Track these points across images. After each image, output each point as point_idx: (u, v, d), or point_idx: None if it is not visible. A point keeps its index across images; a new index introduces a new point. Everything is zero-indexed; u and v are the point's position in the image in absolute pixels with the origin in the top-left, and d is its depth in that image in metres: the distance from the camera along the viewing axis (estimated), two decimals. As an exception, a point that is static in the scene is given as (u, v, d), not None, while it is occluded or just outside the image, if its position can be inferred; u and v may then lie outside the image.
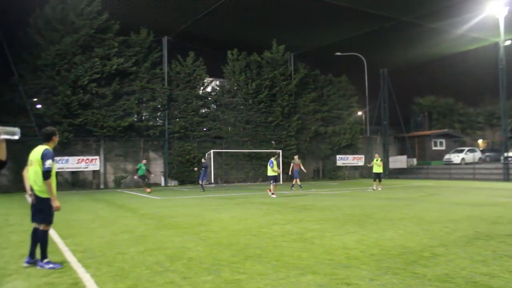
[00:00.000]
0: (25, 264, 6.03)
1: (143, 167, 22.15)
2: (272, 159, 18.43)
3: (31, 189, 6.01)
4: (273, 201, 15.82)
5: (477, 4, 25.02)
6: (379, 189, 20.94)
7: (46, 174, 5.83)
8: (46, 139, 6.17)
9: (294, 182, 22.79)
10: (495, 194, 17.75)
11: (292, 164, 23.21)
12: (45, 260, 5.98)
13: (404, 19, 26.51)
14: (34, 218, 6.08)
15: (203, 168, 22.12)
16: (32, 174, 5.99)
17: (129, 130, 27.31)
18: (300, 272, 5.52)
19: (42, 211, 5.98)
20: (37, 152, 6.02)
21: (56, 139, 6.27)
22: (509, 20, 26.52)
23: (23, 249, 6.30)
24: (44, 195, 5.95)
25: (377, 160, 21.46)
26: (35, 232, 6.10)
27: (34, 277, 5.52)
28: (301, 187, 22.61)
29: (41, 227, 6.03)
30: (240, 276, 5.38)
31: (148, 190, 21.45)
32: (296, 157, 23.95)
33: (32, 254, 6.09)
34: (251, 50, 31.58)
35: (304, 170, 24.13)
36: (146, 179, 22.34)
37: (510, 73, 29.39)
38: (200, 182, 22.22)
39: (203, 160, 22.83)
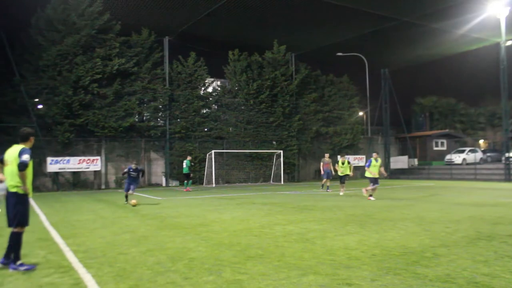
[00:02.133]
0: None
1: (189, 164, 22.57)
2: (372, 158, 16.32)
3: (7, 190, 5.99)
4: (274, 202, 15.82)
5: (479, 4, 25.01)
6: (341, 194, 18.67)
7: (22, 166, 5.81)
8: (23, 139, 6.15)
9: (323, 182, 21.19)
10: (497, 195, 17.73)
11: (321, 164, 21.40)
12: (18, 262, 5.95)
13: (406, 19, 26.50)
14: (10, 223, 6.01)
15: (133, 172, 15.62)
16: (9, 173, 5.98)
17: (130, 131, 27.34)
18: (302, 272, 5.52)
19: (17, 211, 5.92)
20: (13, 151, 6.02)
21: (32, 140, 6.26)
22: (511, 20, 26.51)
23: (24, 249, 6.31)
24: (20, 191, 5.94)
25: (343, 164, 18.96)
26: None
27: (35, 277, 5.53)
28: (324, 188, 21.13)
29: (15, 229, 5.96)
30: (241, 276, 5.38)
31: (188, 189, 22.26)
32: (326, 155, 21.92)
33: (7, 255, 6.03)
34: (252, 51, 31.58)
35: (333, 172, 21.16)
36: (189, 179, 22.88)
37: (511, 73, 29.35)
38: (129, 191, 15.54)
39: (133, 166, 15.77)
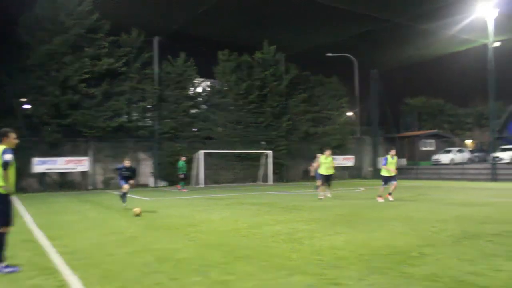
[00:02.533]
0: None
1: (180, 165, 23.11)
2: (388, 155, 15.21)
3: None
4: (262, 202, 15.79)
5: (467, 6, 25.32)
6: (329, 195, 16.73)
7: (5, 165, 5.75)
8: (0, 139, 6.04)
9: (319, 183, 18.40)
10: (484, 194, 17.90)
11: (315, 164, 19.85)
12: (2, 265, 5.85)
13: (395, 20, 26.73)
14: None
15: (125, 171, 14.06)
16: None
17: (118, 131, 27.10)
18: (289, 272, 5.51)
19: (0, 211, 5.81)
20: None
21: (7, 139, 6.03)
22: (498, 22, 26.84)
23: (8, 251, 6.20)
24: (2, 191, 5.83)
25: (326, 158, 16.35)
26: None
27: (19, 279, 5.45)
28: (317, 189, 18.96)
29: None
30: (228, 276, 5.36)
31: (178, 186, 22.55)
32: (319, 155, 19.29)
33: None
34: (242, 51, 31.56)
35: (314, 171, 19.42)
36: (181, 180, 23.20)
37: (499, 74, 29.65)
38: (125, 186, 14.03)
39: (126, 164, 14.08)
